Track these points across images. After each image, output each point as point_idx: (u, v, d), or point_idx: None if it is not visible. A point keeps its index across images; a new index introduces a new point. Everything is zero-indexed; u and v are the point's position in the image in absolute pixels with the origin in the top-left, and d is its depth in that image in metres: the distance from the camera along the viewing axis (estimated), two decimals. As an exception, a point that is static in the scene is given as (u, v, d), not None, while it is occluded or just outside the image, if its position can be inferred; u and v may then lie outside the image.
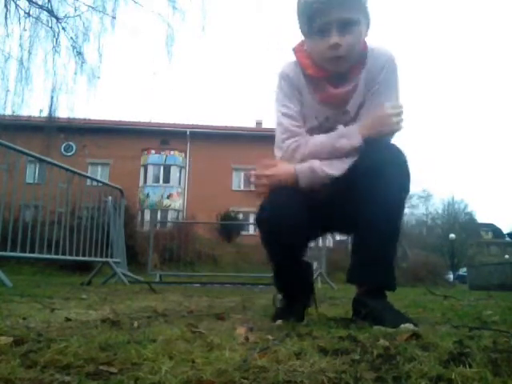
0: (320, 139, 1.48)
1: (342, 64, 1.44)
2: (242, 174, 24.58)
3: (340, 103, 1.51)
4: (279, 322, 1.52)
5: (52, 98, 8.61)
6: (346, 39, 1.39)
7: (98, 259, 5.16)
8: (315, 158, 1.45)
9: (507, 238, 48.27)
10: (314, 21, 1.41)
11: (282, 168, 1.49)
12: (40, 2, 7.92)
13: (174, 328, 1.32)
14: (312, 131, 1.54)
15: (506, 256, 37.53)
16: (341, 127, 1.47)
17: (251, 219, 23.10)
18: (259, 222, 1.53)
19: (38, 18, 7.94)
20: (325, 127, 1.53)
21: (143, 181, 23.23)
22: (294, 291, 1.67)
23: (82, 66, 8.41)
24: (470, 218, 46.13)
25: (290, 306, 1.64)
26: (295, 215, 1.40)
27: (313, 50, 1.48)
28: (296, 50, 1.56)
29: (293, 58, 1.56)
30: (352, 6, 1.38)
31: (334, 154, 1.45)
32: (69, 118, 9.08)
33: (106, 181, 6.69)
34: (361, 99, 1.50)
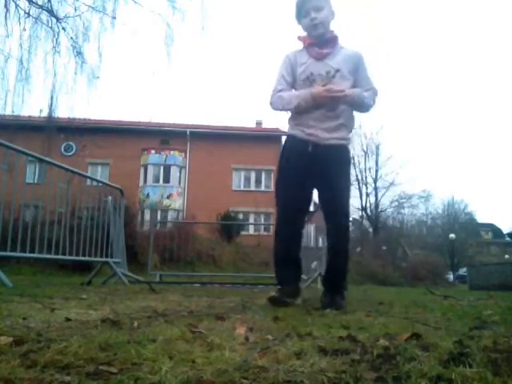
0: (289, 93, 2.51)
1: (319, 29, 2.48)
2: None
3: (322, 58, 2.49)
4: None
5: (52, 98, 8.58)
6: (319, 15, 2.47)
7: (98, 259, 5.15)
8: (288, 101, 2.48)
9: (507, 238, 48.22)
10: (302, 8, 2.52)
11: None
12: (40, 2, 7.91)
13: (174, 328, 1.32)
14: (303, 83, 2.48)
15: (506, 256, 37.51)
16: (302, 91, 2.45)
17: (251, 219, 23.13)
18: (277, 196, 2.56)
19: (37, 18, 7.92)
20: (309, 80, 2.47)
21: (143, 181, 23.21)
22: (289, 269, 2.49)
23: (81, 66, 8.39)
24: (470, 218, 46.11)
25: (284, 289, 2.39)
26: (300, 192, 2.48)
27: (304, 29, 2.56)
28: (299, 37, 2.62)
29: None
30: (320, 0, 2.49)
31: (293, 101, 2.46)
32: (69, 118, 9.06)
33: (106, 181, 6.68)
34: (338, 67, 2.46)
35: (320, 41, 2.51)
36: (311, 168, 2.42)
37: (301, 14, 2.53)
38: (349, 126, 2.53)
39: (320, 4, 2.47)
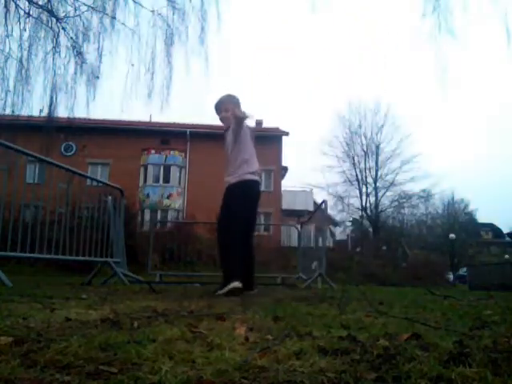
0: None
1: (225, 122, 3.95)
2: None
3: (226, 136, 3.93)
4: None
5: (52, 97, 8.57)
6: (227, 114, 3.83)
7: (98, 259, 5.15)
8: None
9: (507, 238, 48.22)
10: (218, 109, 3.97)
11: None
12: (40, 2, 7.90)
13: (174, 328, 1.32)
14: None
15: (506, 256, 37.46)
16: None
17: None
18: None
19: (38, 18, 7.90)
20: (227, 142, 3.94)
21: (143, 181, 23.21)
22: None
23: (81, 66, 8.37)
24: (470, 218, 46.10)
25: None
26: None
27: (220, 121, 4.03)
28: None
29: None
30: (227, 104, 3.89)
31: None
32: (69, 118, 9.03)
33: (106, 181, 6.69)
34: (228, 137, 3.89)
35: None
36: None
37: (217, 111, 3.97)
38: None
39: (228, 106, 3.85)
